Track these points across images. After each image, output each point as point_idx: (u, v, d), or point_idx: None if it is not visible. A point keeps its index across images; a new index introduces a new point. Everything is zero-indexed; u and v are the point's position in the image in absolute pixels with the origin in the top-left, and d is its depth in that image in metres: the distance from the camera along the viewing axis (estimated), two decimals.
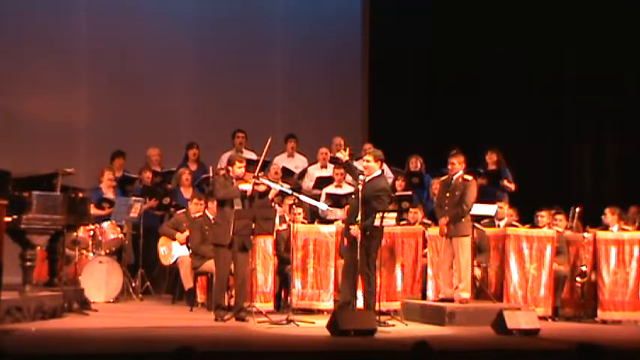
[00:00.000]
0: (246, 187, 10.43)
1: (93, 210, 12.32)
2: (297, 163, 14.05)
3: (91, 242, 12.10)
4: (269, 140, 10.79)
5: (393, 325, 10.33)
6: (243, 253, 10.46)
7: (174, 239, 12.26)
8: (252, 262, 10.83)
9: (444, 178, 11.24)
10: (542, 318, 10.77)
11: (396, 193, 12.91)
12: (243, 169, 10.55)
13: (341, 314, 9.71)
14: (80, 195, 11.07)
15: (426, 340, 6.88)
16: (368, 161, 10.58)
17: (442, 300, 10.85)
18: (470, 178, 10.98)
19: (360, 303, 10.48)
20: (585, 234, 11.57)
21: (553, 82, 15.33)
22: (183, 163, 13.78)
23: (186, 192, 13.23)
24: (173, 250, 12.30)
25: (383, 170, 10.95)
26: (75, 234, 11.75)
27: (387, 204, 10.69)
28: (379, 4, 16.14)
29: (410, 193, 13.12)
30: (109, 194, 12.94)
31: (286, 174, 13.40)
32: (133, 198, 12.73)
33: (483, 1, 15.55)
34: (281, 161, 13.80)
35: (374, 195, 10.41)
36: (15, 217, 9.87)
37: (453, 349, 8.86)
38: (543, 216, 11.84)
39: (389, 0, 16.03)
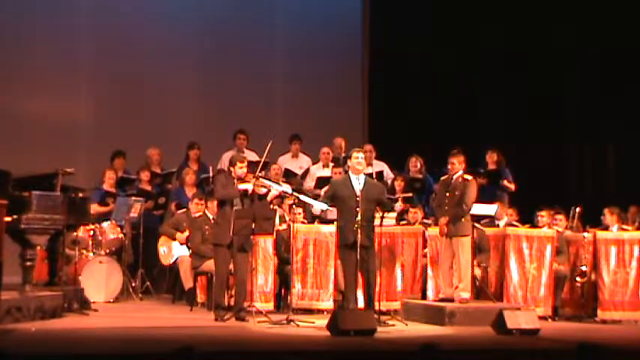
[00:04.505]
0: (247, 186, 10.43)
1: (97, 208, 12.38)
2: (301, 163, 14.03)
3: (91, 242, 12.10)
4: (269, 143, 10.80)
5: (393, 325, 10.33)
6: (243, 252, 10.46)
7: (175, 239, 12.26)
8: (252, 262, 10.83)
9: (444, 177, 11.24)
10: (542, 318, 10.77)
11: (396, 195, 12.90)
12: (244, 169, 10.56)
13: (341, 314, 9.70)
14: (80, 195, 11.07)
15: (434, 342, 6.84)
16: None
17: (442, 300, 10.85)
18: (470, 177, 10.98)
19: (360, 303, 10.49)
20: (585, 234, 11.56)
21: (553, 82, 15.33)
22: (184, 163, 13.78)
23: (190, 191, 13.21)
24: (173, 250, 12.30)
25: None
26: (75, 234, 11.76)
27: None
28: (379, 4, 16.14)
29: (410, 194, 13.10)
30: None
31: (289, 175, 13.39)
32: (133, 198, 12.74)
33: (484, 1, 15.55)
34: (285, 162, 13.79)
35: (381, 191, 10.61)
36: (15, 217, 9.87)
37: (453, 349, 8.85)
38: (543, 216, 11.84)
39: (389, 0, 16.03)
